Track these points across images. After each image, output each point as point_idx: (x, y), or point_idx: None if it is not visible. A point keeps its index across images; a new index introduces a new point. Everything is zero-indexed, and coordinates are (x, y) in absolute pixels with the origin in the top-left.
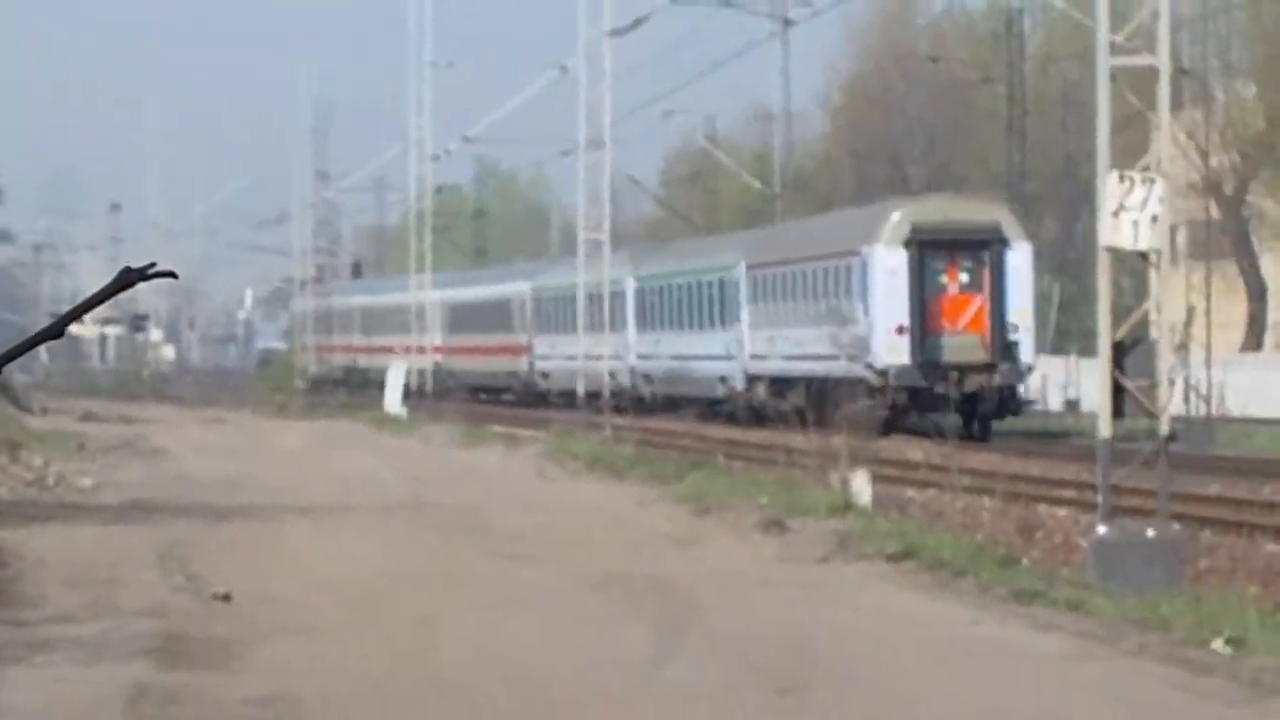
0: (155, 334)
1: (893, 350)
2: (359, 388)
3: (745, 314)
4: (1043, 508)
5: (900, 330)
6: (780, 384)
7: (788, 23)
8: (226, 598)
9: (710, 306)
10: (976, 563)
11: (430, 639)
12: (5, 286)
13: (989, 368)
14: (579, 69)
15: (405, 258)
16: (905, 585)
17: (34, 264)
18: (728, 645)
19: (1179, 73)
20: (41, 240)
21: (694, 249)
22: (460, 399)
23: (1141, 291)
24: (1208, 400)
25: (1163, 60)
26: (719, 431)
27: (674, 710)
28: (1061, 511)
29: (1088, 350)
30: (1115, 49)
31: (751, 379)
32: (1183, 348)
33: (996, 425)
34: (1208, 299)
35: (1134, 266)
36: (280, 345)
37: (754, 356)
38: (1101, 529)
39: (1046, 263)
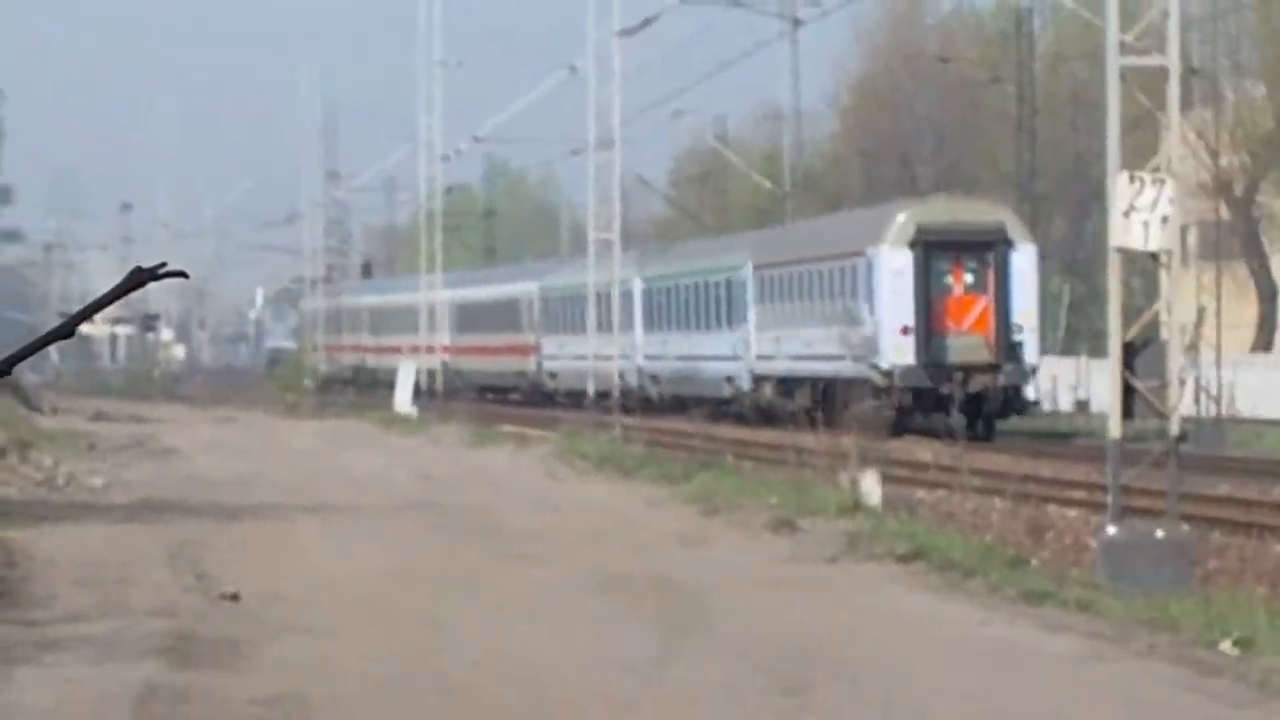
0: (166, 334)
1: (898, 351)
2: (367, 387)
3: (752, 314)
4: (1052, 508)
5: (905, 331)
6: (786, 384)
7: (797, 22)
8: (235, 597)
9: (717, 307)
10: (986, 563)
11: (438, 639)
12: (15, 286)
13: (993, 368)
14: (588, 69)
15: (415, 257)
16: (915, 586)
17: (44, 263)
18: (736, 646)
19: (1189, 72)
20: (51, 240)
21: (700, 249)
22: (470, 399)
23: (1152, 292)
24: (1218, 401)
25: (1172, 60)
26: (728, 431)
27: (681, 711)
28: (1071, 512)
29: (1098, 351)
30: (1125, 49)
31: (758, 379)
32: (1193, 348)
33: (1007, 426)
34: (1218, 300)
35: (1144, 267)
36: (289, 344)
37: (760, 357)
38: (1111, 530)
39: (1056, 263)
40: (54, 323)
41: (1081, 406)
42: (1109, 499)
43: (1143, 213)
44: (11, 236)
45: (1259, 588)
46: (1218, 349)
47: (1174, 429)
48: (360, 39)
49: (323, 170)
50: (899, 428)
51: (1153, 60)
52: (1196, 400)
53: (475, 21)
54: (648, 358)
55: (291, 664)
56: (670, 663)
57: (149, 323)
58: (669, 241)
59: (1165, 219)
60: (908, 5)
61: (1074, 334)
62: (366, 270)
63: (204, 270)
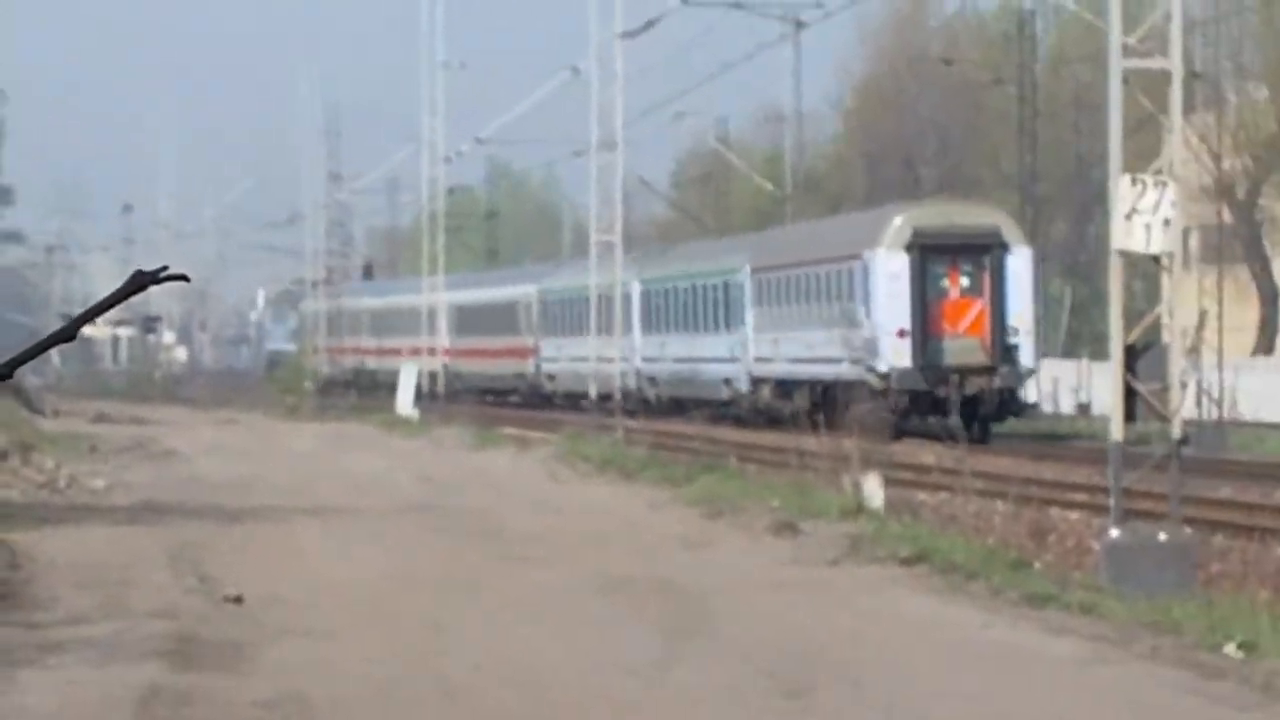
0: (167, 335)
1: (894, 353)
2: (367, 389)
3: (750, 317)
4: (1055, 511)
5: (902, 334)
6: (784, 386)
7: (799, 24)
8: (238, 600)
9: (715, 309)
10: (988, 566)
11: (439, 641)
12: (16, 288)
13: (989, 370)
14: (591, 70)
15: (418, 259)
16: (917, 588)
17: (45, 265)
18: (738, 648)
19: (1191, 75)
20: (53, 241)
21: (698, 252)
22: (471, 401)
23: (1153, 295)
24: (1219, 404)
25: (1175, 63)
26: (730, 434)
27: (683, 713)
28: (1074, 515)
29: (1099, 353)
30: (1127, 51)
31: (756, 381)
32: (1194, 351)
33: (1009, 428)
34: (1220, 303)
35: (1146, 270)
36: (289, 346)
37: (758, 359)
38: (1114, 532)
39: (1058, 266)
40: (55, 325)
41: (1083, 409)
42: (1111, 502)
43: (1144, 215)
44: (13, 238)
45: (1262, 591)
46: (1219, 352)
47: (1176, 432)
48: (362, 40)
49: (324, 171)
50: (899, 430)
51: (1155, 63)
52: (1198, 403)
53: (478, 23)
54: (645, 360)
55: (293, 666)
56: (672, 665)
57: (150, 325)
58: (667, 244)
59: (1167, 222)
60: (911, 7)
61: (1076, 337)
62: (368, 272)
63: (205, 272)
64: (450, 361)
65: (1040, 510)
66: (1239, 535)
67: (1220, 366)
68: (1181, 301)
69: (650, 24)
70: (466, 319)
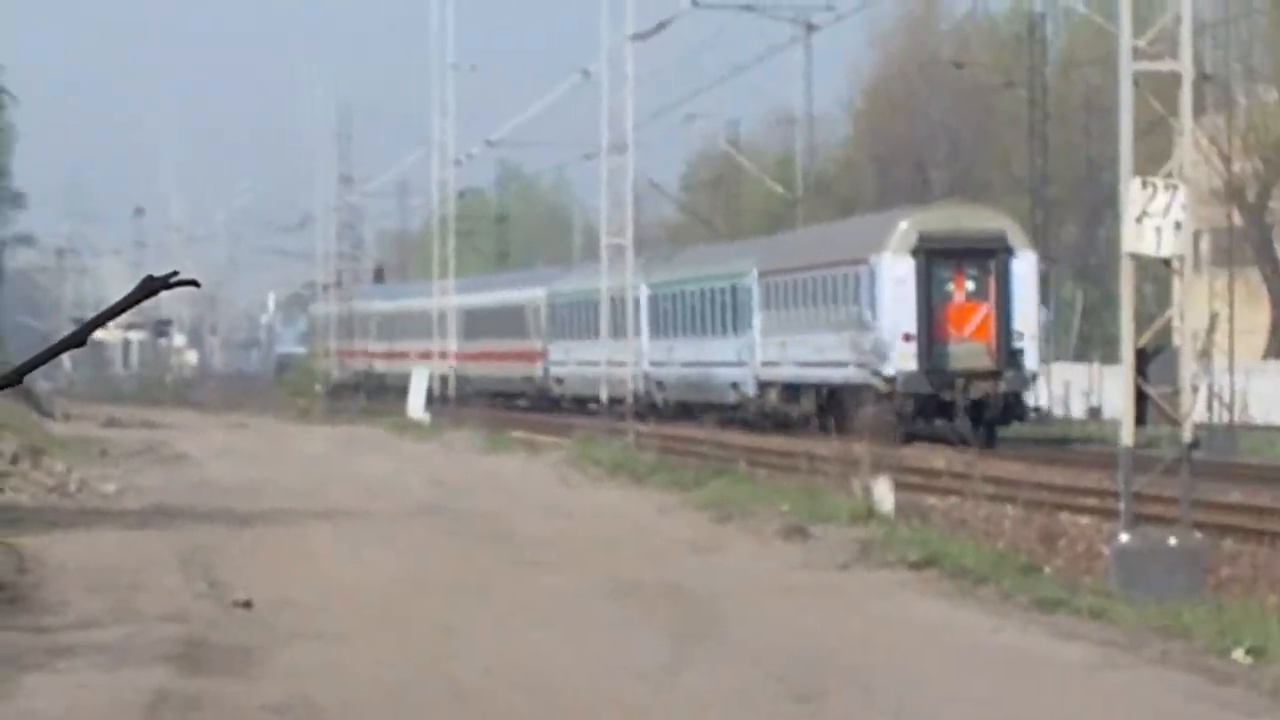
0: (178, 339)
1: (900, 357)
2: (376, 393)
3: (757, 321)
4: (1065, 516)
5: (907, 338)
6: (791, 390)
7: (810, 27)
8: (247, 605)
9: (723, 313)
10: (998, 570)
11: (450, 645)
12: (27, 291)
13: (994, 374)
14: (601, 73)
15: (428, 262)
16: (927, 593)
17: (56, 269)
18: (747, 653)
19: (1201, 78)
20: (64, 245)
21: (706, 256)
22: (481, 405)
23: (1164, 298)
24: (1230, 407)
25: (1185, 65)
26: (740, 438)
27: (693, 718)
28: (1084, 519)
29: (1110, 357)
30: (1138, 54)
31: (763, 385)
32: (1205, 355)
33: (1019, 432)
34: (1230, 306)
35: (1157, 273)
36: (298, 350)
37: (765, 363)
38: (1124, 537)
39: (1069, 269)
40: (66, 328)
41: (1094, 413)
42: (1121, 506)
43: (1155, 218)
44: (24, 241)
45: (1271, 595)
46: (1230, 355)
47: (1186, 436)
48: (373, 43)
49: (336, 174)
50: (908, 435)
51: (1165, 65)
52: (1209, 407)
53: (489, 25)
54: (653, 364)
55: (303, 670)
56: (682, 669)
57: (161, 328)
58: (675, 247)
59: (1178, 225)
60: (922, 10)
61: (1087, 340)
62: (379, 275)
63: (217, 275)
64: (459, 365)
65: (1050, 515)
66: (1249, 539)
67: (1231, 369)
68: (1192, 304)
69: (661, 26)
70: (475, 323)
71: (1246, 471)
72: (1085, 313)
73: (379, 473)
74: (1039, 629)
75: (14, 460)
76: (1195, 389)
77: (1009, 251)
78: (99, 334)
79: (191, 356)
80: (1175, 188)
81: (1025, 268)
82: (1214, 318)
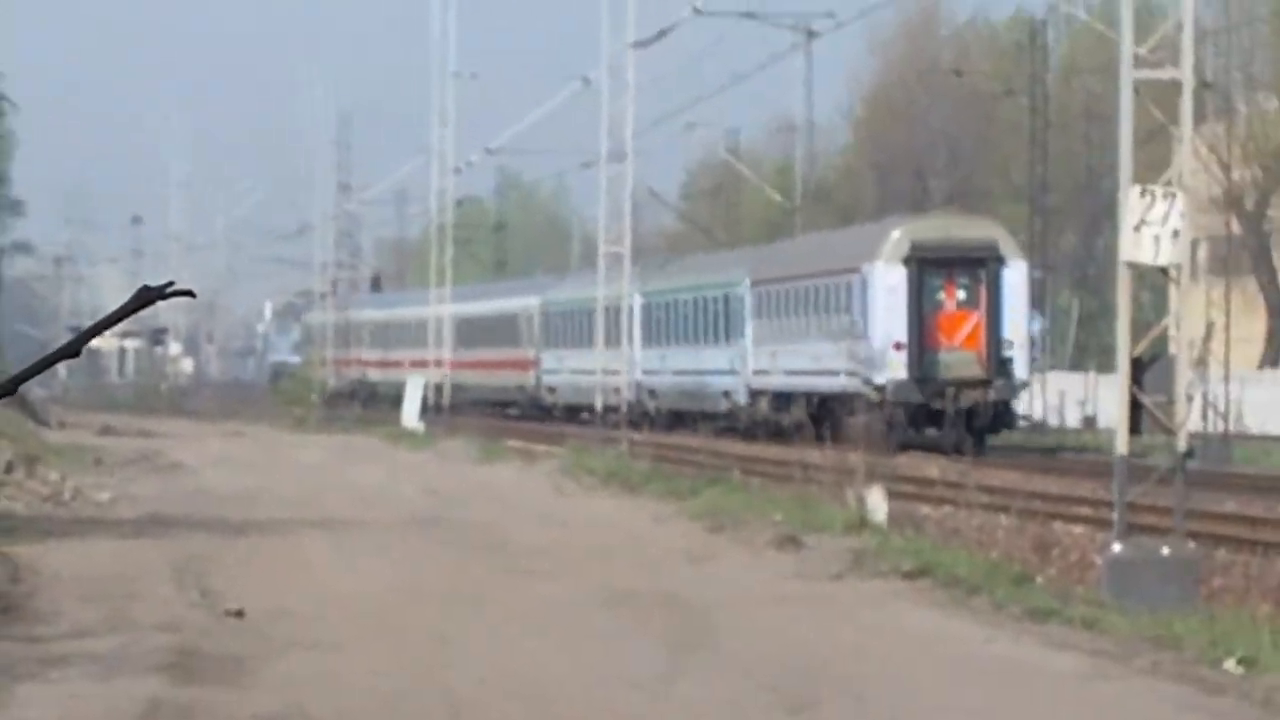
0: (174, 347)
1: (891, 366)
2: (369, 402)
3: (749, 330)
4: (1058, 525)
5: (899, 346)
6: (782, 399)
7: (811, 34)
8: (239, 614)
9: (715, 322)
10: (991, 580)
11: (445, 655)
12: (24, 299)
13: (984, 383)
14: (602, 81)
15: (426, 270)
16: (920, 602)
17: (54, 277)
18: (741, 662)
19: (1202, 86)
20: (62, 253)
21: (699, 265)
22: (475, 414)
23: (1161, 307)
24: (1225, 417)
25: (1186, 73)
26: (734, 447)
27: None
28: (1077, 529)
29: (1106, 366)
30: (1139, 62)
31: (754, 394)
32: (1201, 363)
33: (1014, 442)
34: (1227, 314)
35: (1154, 281)
36: (292, 358)
37: (757, 372)
38: (1117, 547)
39: (1066, 278)
40: (64, 337)
41: (1089, 422)
42: (1115, 516)
43: (1153, 227)
44: (22, 249)
45: (1264, 606)
46: (1226, 364)
47: (1181, 445)
48: (373, 50)
49: (335, 182)
50: (901, 444)
51: (1166, 73)
52: (1204, 416)
53: (489, 33)
54: (645, 372)
55: (297, 679)
56: (676, 679)
57: (157, 337)
58: (669, 256)
59: (1176, 233)
60: (922, 17)
61: (1083, 349)
62: (376, 284)
63: (215, 283)
64: (452, 374)
65: (1044, 524)
66: (1242, 550)
67: (1226, 379)
68: (1188, 313)
69: (662, 34)
70: (468, 331)
71: (1241, 481)
72: (1081, 321)
73: (374, 482)
74: (1031, 639)
75: (9, 469)
76: (1190, 398)
77: (1000, 261)
78: (95, 342)
79: (187, 365)
80: (1174, 196)
81: (1016, 277)
82: (1210, 326)
